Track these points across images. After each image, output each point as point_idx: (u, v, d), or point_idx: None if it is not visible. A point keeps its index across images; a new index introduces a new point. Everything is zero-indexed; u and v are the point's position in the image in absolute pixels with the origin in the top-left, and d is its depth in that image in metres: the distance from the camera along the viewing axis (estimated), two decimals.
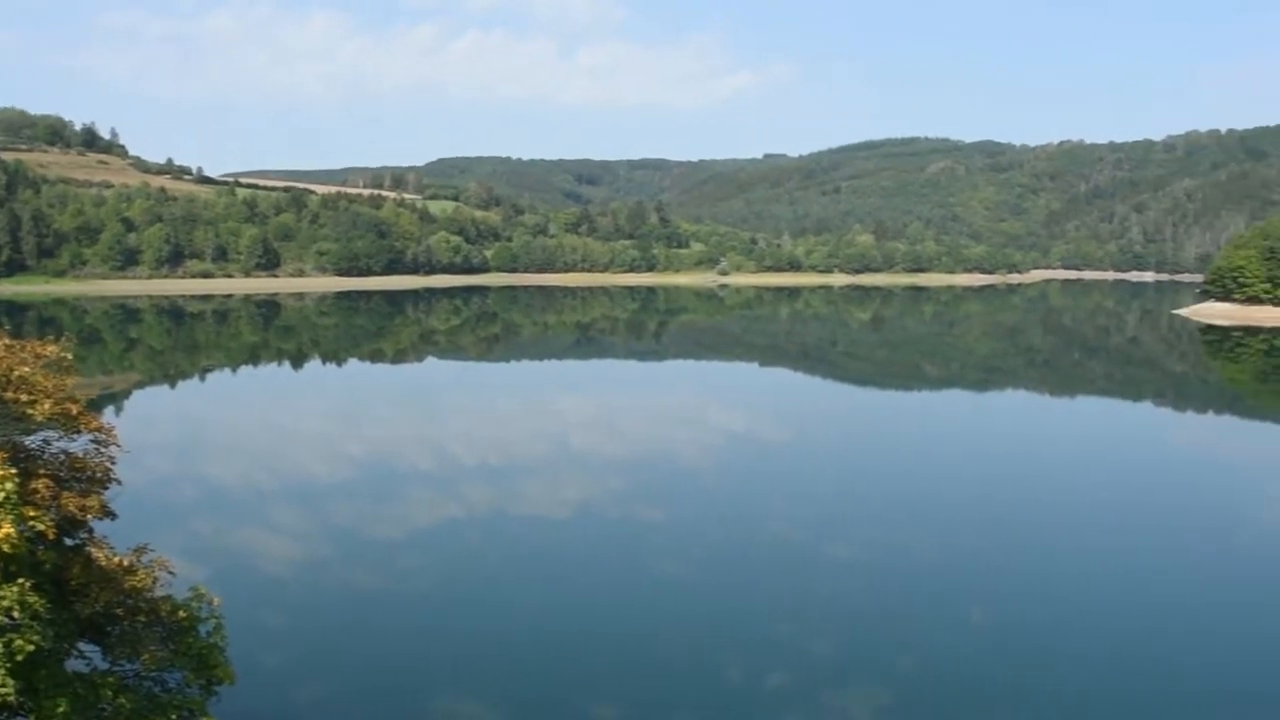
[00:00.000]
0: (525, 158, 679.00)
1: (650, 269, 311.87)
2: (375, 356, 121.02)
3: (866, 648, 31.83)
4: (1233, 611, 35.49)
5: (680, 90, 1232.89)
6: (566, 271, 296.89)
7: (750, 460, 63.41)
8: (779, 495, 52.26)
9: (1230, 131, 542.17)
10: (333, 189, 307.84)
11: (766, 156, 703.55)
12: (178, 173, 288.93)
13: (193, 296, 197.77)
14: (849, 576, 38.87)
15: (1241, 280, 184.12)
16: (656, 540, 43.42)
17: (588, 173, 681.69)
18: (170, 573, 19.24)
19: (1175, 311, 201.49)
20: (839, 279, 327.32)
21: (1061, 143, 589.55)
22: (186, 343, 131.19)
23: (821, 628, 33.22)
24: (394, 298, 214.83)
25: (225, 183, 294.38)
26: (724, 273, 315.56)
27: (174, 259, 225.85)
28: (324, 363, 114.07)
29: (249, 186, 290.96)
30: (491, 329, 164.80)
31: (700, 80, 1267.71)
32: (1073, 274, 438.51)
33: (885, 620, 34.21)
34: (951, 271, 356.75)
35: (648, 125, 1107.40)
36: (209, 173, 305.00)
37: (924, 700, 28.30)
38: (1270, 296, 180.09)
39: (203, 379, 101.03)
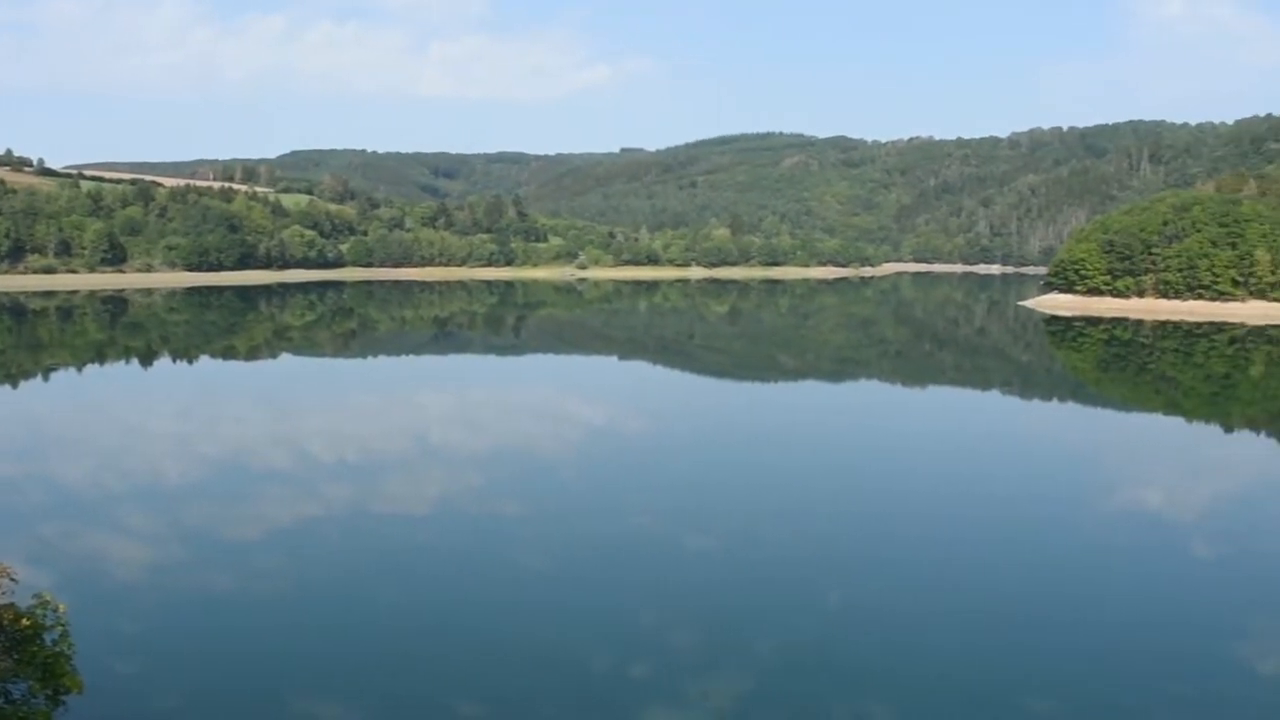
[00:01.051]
0: (380, 150, 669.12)
1: (508, 263, 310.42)
2: (228, 354, 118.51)
3: (728, 634, 32.26)
4: (1076, 594, 36.80)
5: (538, 83, 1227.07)
6: (423, 266, 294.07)
7: (611, 453, 63.72)
8: (640, 487, 52.61)
9: (1072, 129, 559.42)
10: (181, 182, 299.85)
11: (624, 150, 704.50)
12: (17, 164, 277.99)
13: (35, 293, 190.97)
14: (710, 566, 39.35)
15: (1083, 272, 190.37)
16: (519, 534, 43.42)
17: (444, 166, 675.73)
18: (12, 579, 18.69)
19: (1021, 303, 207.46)
20: (696, 272, 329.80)
21: (911, 139, 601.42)
22: (29, 341, 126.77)
23: (683, 616, 33.59)
24: (246, 293, 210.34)
25: (68, 175, 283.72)
26: (582, 266, 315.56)
27: (14, 254, 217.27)
28: (174, 361, 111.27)
29: (93, 179, 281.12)
30: (347, 324, 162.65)
31: (557, 73, 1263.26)
32: (923, 267, 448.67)
33: (745, 607, 34.75)
34: (806, 265, 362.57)
35: (505, 118, 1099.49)
36: (51, 164, 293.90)
37: (785, 684, 28.80)
38: (1110, 288, 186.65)
39: (46, 379, 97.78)
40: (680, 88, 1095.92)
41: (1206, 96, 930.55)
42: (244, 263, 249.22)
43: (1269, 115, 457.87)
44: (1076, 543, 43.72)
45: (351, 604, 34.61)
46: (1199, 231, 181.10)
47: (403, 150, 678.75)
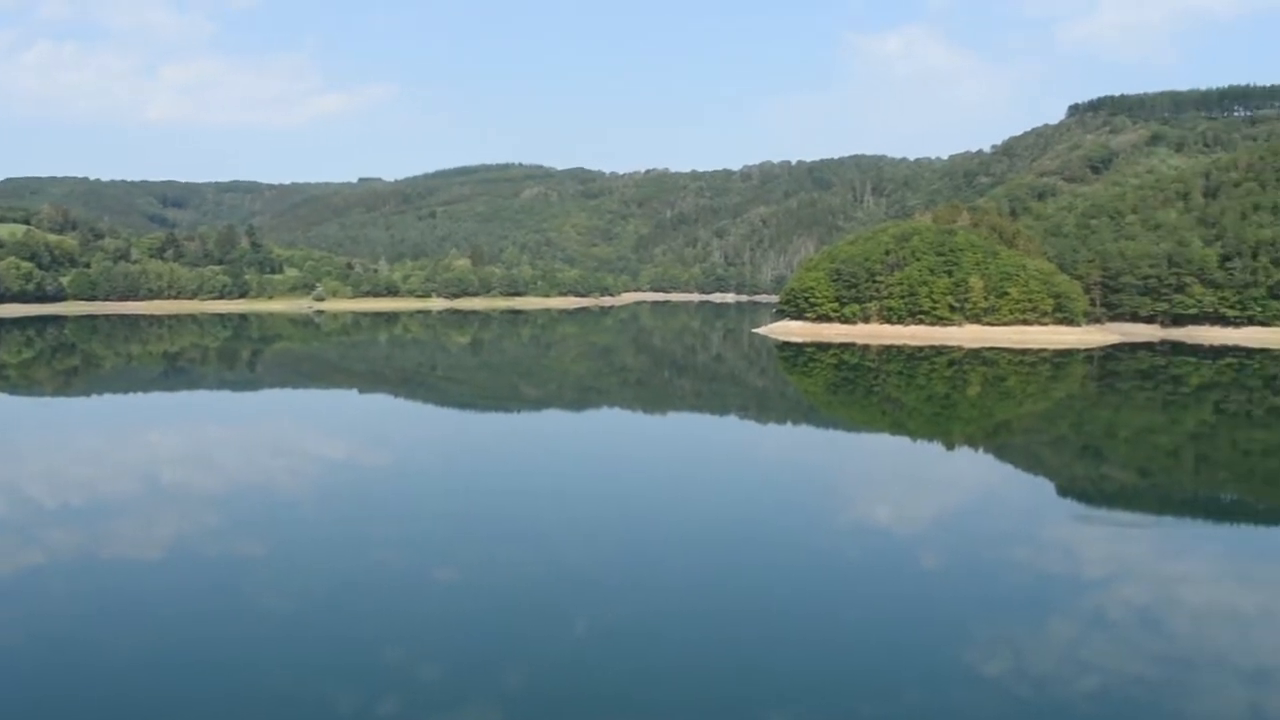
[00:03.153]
0: (104, 178, 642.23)
1: (242, 295, 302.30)
2: None
3: (476, 666, 31.97)
4: (815, 610, 38.06)
5: (271, 110, 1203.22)
6: (152, 299, 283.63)
7: (351, 487, 62.39)
8: (382, 519, 51.67)
9: (800, 163, 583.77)
10: None
11: (361, 180, 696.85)
12: None
13: None
14: (455, 596, 38.99)
15: (812, 300, 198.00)
16: (256, 574, 41.99)
17: (173, 195, 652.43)
18: None
19: (754, 330, 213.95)
20: (437, 303, 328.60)
21: (648, 171, 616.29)
22: None
23: (430, 650, 33.15)
24: None
25: None
26: (320, 298, 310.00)
27: None
28: None
29: None
30: (69, 361, 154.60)
31: (292, 101, 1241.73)
32: (661, 296, 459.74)
33: (493, 637, 34.52)
34: (547, 295, 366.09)
35: (237, 146, 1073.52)
36: None
37: (534, 713, 28.76)
38: (838, 314, 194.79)
39: None
40: (419, 118, 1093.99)
41: (923, 132, 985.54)
42: None
43: (979, 151, 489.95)
44: (813, 561, 45.18)
45: (81, 653, 32.83)
46: (918, 260, 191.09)
47: (129, 178, 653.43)
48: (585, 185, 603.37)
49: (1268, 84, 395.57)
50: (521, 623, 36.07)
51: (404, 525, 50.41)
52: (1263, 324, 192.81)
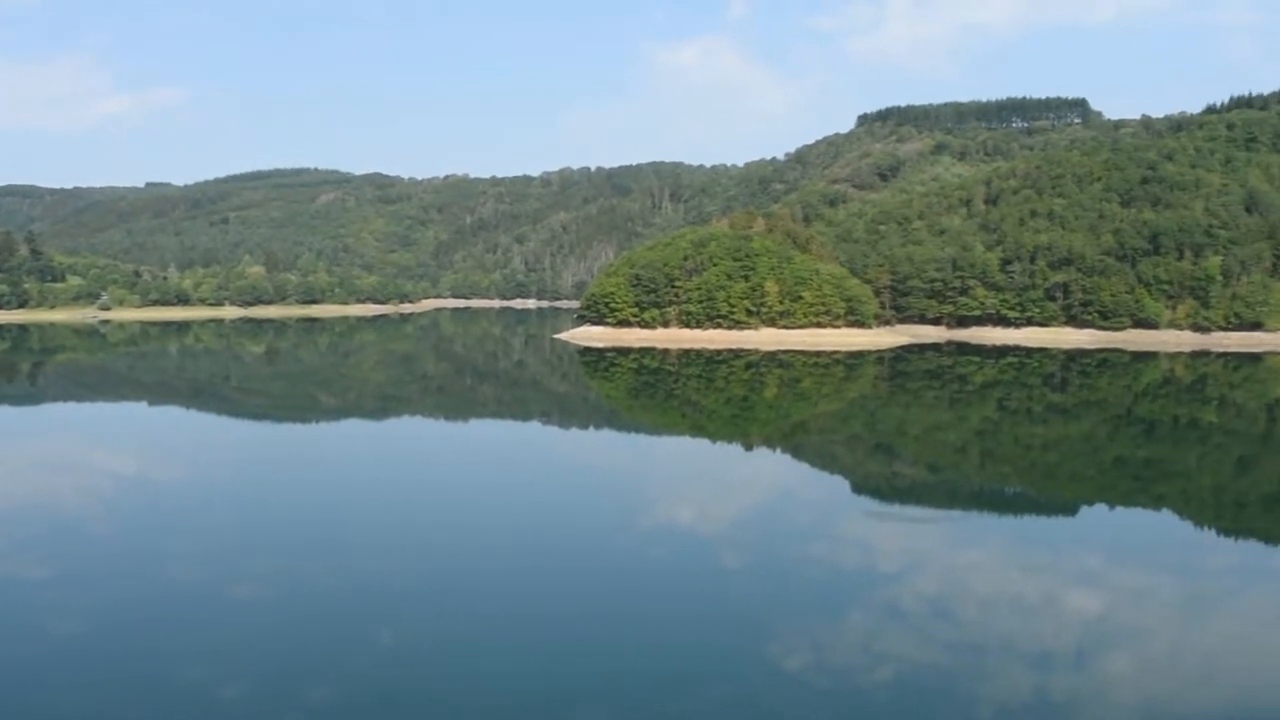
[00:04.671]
0: None
1: (21, 305, 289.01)
2: None
3: (279, 683, 31.18)
4: (622, 612, 38.38)
5: (51, 112, 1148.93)
6: None
7: (140, 503, 60.18)
8: (174, 535, 49.96)
9: (599, 169, 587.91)
10: None
11: (149, 185, 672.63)
12: None
13: None
14: (255, 612, 37.94)
15: (612, 305, 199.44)
16: (41, 598, 40.08)
17: None
18: None
19: (556, 336, 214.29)
20: (231, 312, 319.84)
21: (447, 177, 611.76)
22: None
23: (233, 670, 32.06)
24: None
25: None
26: (105, 308, 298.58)
27: None
28: None
29: None
30: None
31: (74, 102, 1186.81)
32: (462, 302, 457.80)
33: (296, 652, 33.74)
34: (345, 302, 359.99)
35: (14, 149, 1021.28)
36: None
37: None
38: (638, 319, 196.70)
39: None
40: (208, 121, 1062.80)
41: (720, 140, 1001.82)
42: None
43: (774, 159, 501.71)
44: (617, 563, 45.56)
45: None
46: (716, 265, 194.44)
47: None
48: (383, 190, 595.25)
49: (1042, 96, 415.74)
50: (325, 636, 35.35)
51: (197, 540, 48.79)
52: (1040, 324, 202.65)
